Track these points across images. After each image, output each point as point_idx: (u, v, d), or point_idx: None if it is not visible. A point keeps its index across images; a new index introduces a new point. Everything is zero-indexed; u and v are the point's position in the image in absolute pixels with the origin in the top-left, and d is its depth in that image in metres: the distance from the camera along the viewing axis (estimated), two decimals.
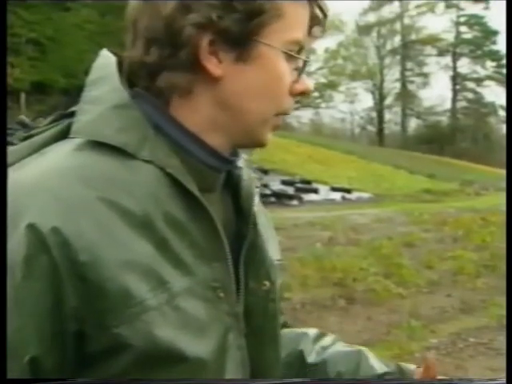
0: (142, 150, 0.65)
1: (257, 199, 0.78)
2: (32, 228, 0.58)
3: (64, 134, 0.67)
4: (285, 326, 0.92)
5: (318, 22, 0.72)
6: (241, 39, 0.66)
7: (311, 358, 0.89)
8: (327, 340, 0.91)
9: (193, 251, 0.66)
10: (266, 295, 0.75)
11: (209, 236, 0.68)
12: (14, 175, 0.63)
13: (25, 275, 0.58)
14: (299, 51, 0.71)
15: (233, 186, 0.77)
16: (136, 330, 0.60)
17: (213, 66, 0.67)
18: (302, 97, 0.74)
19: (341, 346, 0.90)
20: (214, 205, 0.70)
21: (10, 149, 0.68)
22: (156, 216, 0.64)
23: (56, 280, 0.58)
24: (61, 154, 0.64)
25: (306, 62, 0.72)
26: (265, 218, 0.84)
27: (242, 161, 0.79)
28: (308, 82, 0.73)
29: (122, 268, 0.60)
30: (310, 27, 0.72)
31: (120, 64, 0.71)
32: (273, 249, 0.81)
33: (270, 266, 0.76)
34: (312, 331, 0.93)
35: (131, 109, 0.67)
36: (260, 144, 0.74)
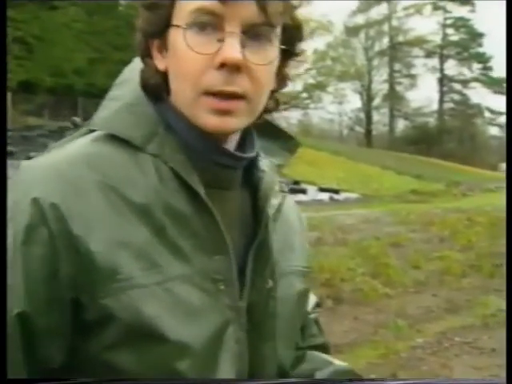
0: (149, 144, 0.71)
1: (275, 202, 0.79)
2: (35, 202, 0.65)
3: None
4: (323, 346, 0.93)
5: None
6: (161, 32, 0.71)
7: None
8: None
9: (193, 242, 0.70)
10: (268, 293, 0.77)
11: (210, 229, 0.71)
12: (38, 159, 0.71)
13: (24, 241, 0.65)
14: (216, 20, 0.66)
15: (253, 187, 0.78)
16: (121, 304, 0.65)
17: (159, 62, 0.72)
18: (227, 68, 0.66)
19: None
20: (227, 202, 0.74)
21: (54, 144, 0.76)
22: (156, 206, 0.68)
23: (52, 249, 0.65)
24: (79, 144, 0.72)
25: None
26: (298, 224, 0.86)
27: (269, 164, 0.80)
28: (228, 51, 0.66)
29: (113, 245, 0.65)
30: None
31: None
32: (297, 255, 0.83)
33: (274, 266, 0.78)
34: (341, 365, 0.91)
35: (144, 106, 0.73)
36: (206, 128, 0.70)
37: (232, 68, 0.66)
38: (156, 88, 0.73)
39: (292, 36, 0.72)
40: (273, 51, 0.70)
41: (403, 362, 3.94)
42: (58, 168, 0.68)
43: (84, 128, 0.76)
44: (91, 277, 0.65)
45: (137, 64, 0.76)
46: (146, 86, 0.73)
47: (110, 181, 0.68)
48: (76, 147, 0.71)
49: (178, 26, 0.68)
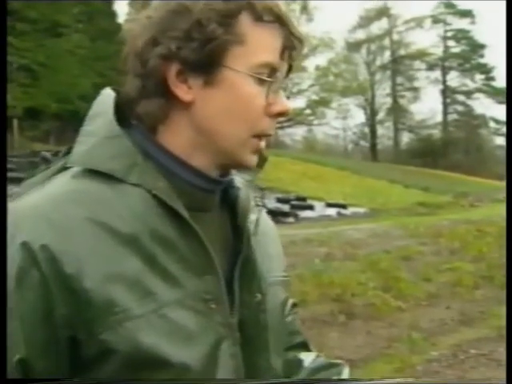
0: (130, 174, 0.72)
1: (253, 217, 0.83)
2: (24, 245, 0.66)
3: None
4: (303, 345, 0.95)
5: (293, 46, 0.75)
6: (205, 66, 0.72)
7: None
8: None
9: (182, 265, 0.72)
10: (258, 307, 0.79)
11: (198, 252, 0.73)
12: (20, 201, 0.72)
13: (17, 286, 0.66)
14: (272, 73, 0.74)
15: (230, 205, 0.82)
16: (120, 336, 0.66)
17: (183, 92, 0.73)
18: (281, 117, 0.76)
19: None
20: (208, 223, 0.77)
21: (28, 181, 0.77)
22: (143, 234, 0.70)
23: (46, 291, 0.66)
24: (59, 182, 0.73)
25: (279, 83, 0.75)
26: (272, 234, 0.90)
27: (242, 181, 0.84)
28: (285, 103, 0.75)
29: (106, 280, 0.67)
30: (285, 51, 0.74)
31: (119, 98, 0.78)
32: (276, 265, 0.86)
33: (261, 279, 0.81)
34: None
35: (121, 138, 0.74)
36: (243, 166, 0.77)
37: (280, 115, 0.76)
38: (150, 118, 0.74)
39: None
40: None
41: (419, 375, 3.89)
42: (43, 209, 0.68)
43: (58, 164, 0.76)
44: (88, 314, 0.66)
45: (105, 97, 0.78)
46: (141, 116, 0.74)
47: (96, 215, 0.69)
48: (57, 186, 0.72)
49: (239, 72, 0.72)
